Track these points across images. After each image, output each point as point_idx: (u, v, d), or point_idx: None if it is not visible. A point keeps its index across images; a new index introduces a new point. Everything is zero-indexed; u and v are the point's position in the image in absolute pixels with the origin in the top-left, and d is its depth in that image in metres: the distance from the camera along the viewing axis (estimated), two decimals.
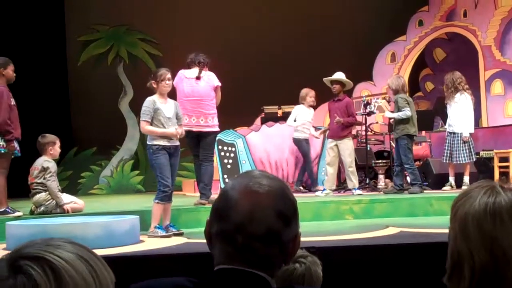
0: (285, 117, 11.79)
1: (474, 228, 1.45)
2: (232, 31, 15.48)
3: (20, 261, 1.06)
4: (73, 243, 1.13)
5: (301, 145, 10.38)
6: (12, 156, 7.47)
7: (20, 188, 7.78)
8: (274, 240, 1.57)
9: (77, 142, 15.52)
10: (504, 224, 1.43)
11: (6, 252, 5.97)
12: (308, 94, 10.38)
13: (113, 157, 15.71)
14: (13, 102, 7.44)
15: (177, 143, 6.85)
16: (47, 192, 7.63)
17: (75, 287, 1.06)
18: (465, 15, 13.37)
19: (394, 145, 9.65)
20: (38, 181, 7.61)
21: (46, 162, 7.66)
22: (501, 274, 1.42)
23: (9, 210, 7.34)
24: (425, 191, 9.33)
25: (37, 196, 7.62)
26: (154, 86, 6.82)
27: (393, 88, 9.46)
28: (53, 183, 7.65)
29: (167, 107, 6.83)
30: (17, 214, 7.31)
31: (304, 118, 10.32)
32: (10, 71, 7.45)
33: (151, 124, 6.72)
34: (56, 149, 7.89)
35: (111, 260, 1.19)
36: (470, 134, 9.57)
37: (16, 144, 7.38)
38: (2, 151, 7.36)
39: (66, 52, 15.80)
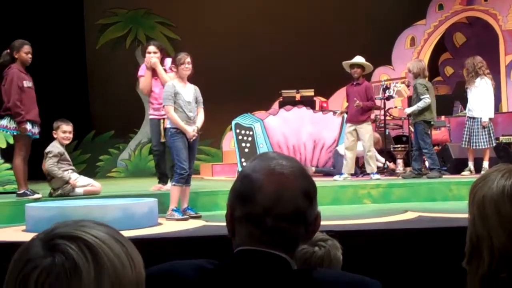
0: (303, 101, 11.77)
1: (492, 210, 1.45)
2: (250, 14, 15.43)
3: (56, 240, 1.05)
4: (104, 225, 1.12)
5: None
6: (31, 139, 7.49)
7: (39, 171, 7.80)
8: (301, 219, 1.58)
9: (95, 125, 15.59)
10: None
11: (26, 233, 6.01)
12: None
13: (131, 141, 15.76)
14: (27, 84, 7.41)
15: (195, 126, 6.85)
16: (59, 177, 7.65)
17: (113, 267, 1.05)
18: None
19: (412, 130, 9.58)
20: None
21: (49, 147, 7.69)
22: None
23: (28, 192, 7.38)
24: (444, 176, 9.28)
25: (53, 180, 7.65)
26: (174, 70, 6.85)
27: (414, 71, 9.38)
28: (50, 167, 7.61)
29: (187, 91, 6.84)
30: (36, 196, 7.35)
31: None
32: (23, 54, 7.46)
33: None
34: (59, 134, 7.79)
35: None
36: (490, 119, 9.48)
37: (30, 126, 7.38)
38: (14, 133, 7.41)
39: (85, 35, 15.83)
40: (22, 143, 7.41)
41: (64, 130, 7.86)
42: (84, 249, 1.04)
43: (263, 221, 1.56)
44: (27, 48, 7.52)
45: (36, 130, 7.53)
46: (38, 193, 7.45)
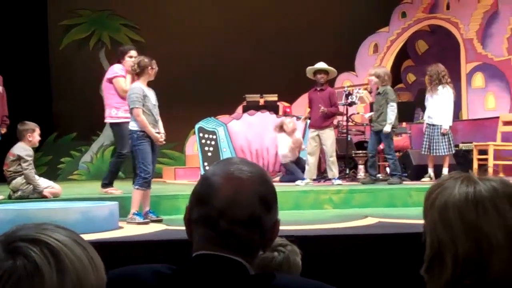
0: (266, 105, 11.80)
1: (456, 217, 1.45)
2: (215, 19, 15.43)
3: (17, 243, 1.04)
4: (65, 229, 1.12)
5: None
6: None
7: None
8: (256, 225, 1.58)
9: (58, 127, 15.42)
10: (487, 212, 1.44)
11: None
12: (284, 122, 10.54)
13: (94, 143, 15.63)
14: None
15: (161, 130, 6.83)
16: (23, 177, 7.59)
17: (75, 270, 1.05)
18: (448, 7, 13.41)
19: (375, 136, 9.64)
20: (11, 169, 7.56)
21: (22, 150, 7.58)
22: (485, 263, 1.42)
23: None
24: (404, 182, 9.39)
25: (14, 181, 7.58)
26: (138, 72, 6.81)
27: (385, 78, 9.47)
28: (31, 172, 7.59)
29: (152, 94, 6.84)
30: None
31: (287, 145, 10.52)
32: None
33: None
34: (35, 137, 7.81)
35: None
36: (449, 126, 9.63)
37: None
38: None
39: (48, 36, 15.66)
40: None
41: (39, 133, 7.84)
42: (46, 252, 1.03)
43: (218, 224, 1.57)
44: None
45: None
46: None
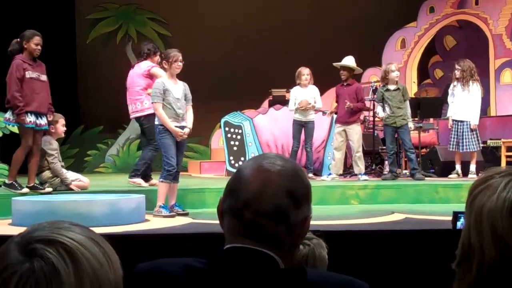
0: None
1: (488, 224, 1.41)
2: (241, 13, 15.43)
3: (34, 245, 1.04)
4: (80, 226, 1.12)
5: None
6: (37, 129, 7.37)
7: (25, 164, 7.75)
8: (281, 219, 1.58)
9: (84, 120, 15.54)
10: None
11: (13, 227, 5.99)
12: (301, 72, 9.77)
13: (120, 136, 15.72)
14: (29, 75, 7.24)
15: (185, 124, 6.84)
16: (51, 170, 7.64)
17: (91, 269, 1.05)
18: (476, 2, 13.27)
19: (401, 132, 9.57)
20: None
21: (46, 143, 7.61)
22: (508, 275, 1.39)
23: (15, 184, 7.32)
24: (431, 178, 9.35)
25: (42, 174, 7.63)
26: (165, 66, 6.85)
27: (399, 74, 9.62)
28: (57, 165, 7.64)
29: (176, 88, 6.85)
30: (24, 190, 7.29)
31: (301, 99, 9.74)
32: (32, 44, 7.34)
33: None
34: (59, 128, 7.85)
35: (116, 238, 1.19)
36: None
37: (33, 118, 7.21)
38: (12, 125, 7.35)
39: (75, 30, 15.77)
40: (24, 135, 7.27)
41: (64, 124, 7.89)
42: (62, 252, 1.04)
43: (242, 215, 1.58)
44: (37, 39, 7.42)
45: (42, 121, 7.40)
46: (25, 188, 7.38)
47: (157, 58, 8.64)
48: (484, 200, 1.44)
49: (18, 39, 7.42)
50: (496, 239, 1.40)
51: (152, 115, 7.99)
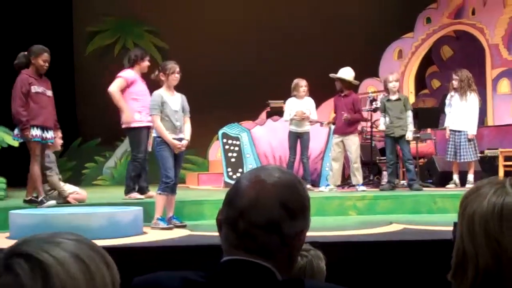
0: None
1: (480, 229, 1.43)
2: (239, 25, 15.47)
3: (13, 259, 1.04)
4: (77, 241, 1.11)
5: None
6: (43, 142, 7.36)
7: (23, 177, 7.76)
8: (274, 230, 1.58)
9: (82, 132, 15.55)
10: (510, 226, 1.41)
11: (10, 241, 5.97)
12: (299, 84, 9.75)
13: (118, 149, 15.72)
14: (35, 89, 7.24)
15: (183, 136, 6.84)
16: (48, 183, 7.62)
17: (63, 287, 1.04)
18: (473, 13, 13.32)
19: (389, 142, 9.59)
20: None
21: (44, 156, 7.60)
22: (504, 278, 1.40)
23: (44, 200, 7.27)
24: (429, 189, 9.34)
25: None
26: (163, 78, 6.83)
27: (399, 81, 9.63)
28: (54, 178, 7.63)
29: (174, 100, 6.84)
30: (50, 203, 7.23)
31: (297, 110, 9.71)
32: (40, 60, 7.31)
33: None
34: (56, 141, 7.83)
35: (113, 251, 1.17)
36: None
37: (39, 132, 7.20)
38: (19, 140, 7.33)
39: (73, 42, 15.80)
40: (32, 149, 7.26)
41: (61, 136, 7.88)
42: (36, 269, 1.03)
43: (237, 225, 1.59)
44: (46, 56, 7.38)
45: (48, 135, 7.40)
46: (52, 200, 7.35)
47: (146, 63, 8.64)
48: (475, 206, 1.46)
49: (26, 53, 7.39)
50: (489, 243, 1.41)
51: (130, 129, 8.07)
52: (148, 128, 8.35)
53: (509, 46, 12.36)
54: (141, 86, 8.53)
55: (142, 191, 8.49)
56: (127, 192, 8.43)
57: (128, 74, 8.56)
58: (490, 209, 1.43)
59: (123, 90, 8.47)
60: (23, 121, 7.12)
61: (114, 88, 8.43)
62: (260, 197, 1.59)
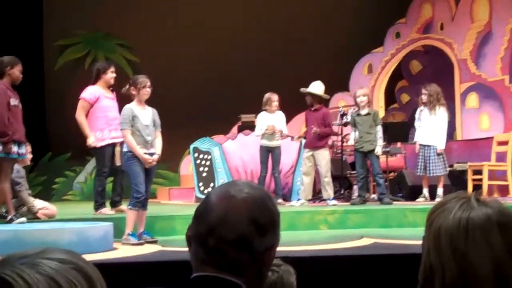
0: None
1: (446, 243, 1.44)
2: (209, 39, 15.48)
3: None
4: (62, 261, 1.07)
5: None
6: (18, 159, 7.24)
7: None
8: (244, 246, 1.58)
9: (52, 147, 15.41)
10: (475, 241, 1.42)
11: None
12: (271, 99, 9.81)
13: (88, 164, 15.60)
14: (13, 102, 7.11)
15: (154, 150, 6.81)
16: (18, 199, 7.54)
17: None
18: (441, 28, 13.48)
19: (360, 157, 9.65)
20: None
21: (14, 171, 7.50)
22: None
23: (14, 218, 7.13)
24: (399, 203, 9.41)
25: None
26: (133, 92, 6.81)
27: (369, 96, 9.68)
28: (24, 193, 7.55)
29: (145, 114, 6.82)
30: (20, 220, 7.12)
31: (268, 124, 9.74)
32: (16, 71, 7.20)
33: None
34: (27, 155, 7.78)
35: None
36: None
37: (16, 148, 7.10)
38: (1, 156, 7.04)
39: (44, 56, 15.69)
40: (7, 165, 7.09)
41: (30, 151, 7.80)
42: None
43: (206, 241, 1.58)
44: (21, 66, 7.27)
45: (23, 150, 7.29)
46: (22, 217, 7.25)
47: (109, 75, 8.60)
48: (441, 221, 1.48)
49: None
50: (455, 257, 1.43)
51: (95, 148, 8.21)
52: (114, 144, 8.33)
53: (477, 61, 12.53)
54: (104, 101, 8.48)
55: (114, 204, 8.46)
56: (96, 208, 8.39)
57: (88, 93, 8.51)
58: (455, 224, 1.45)
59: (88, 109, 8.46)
60: (9, 134, 6.97)
61: (78, 114, 8.44)
62: (229, 213, 1.59)
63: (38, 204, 7.78)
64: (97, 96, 8.45)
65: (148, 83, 6.83)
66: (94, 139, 8.28)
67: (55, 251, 1.09)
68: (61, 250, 1.10)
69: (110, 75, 8.62)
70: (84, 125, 8.37)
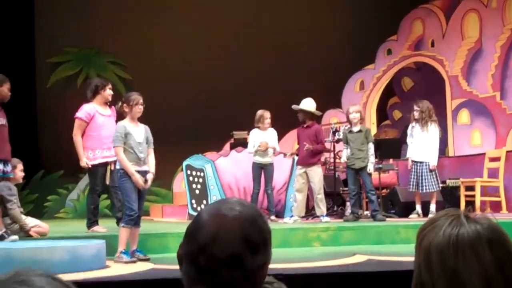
0: None
1: (437, 259, 1.45)
2: (201, 55, 15.52)
3: None
4: (34, 283, 1.05)
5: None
6: (5, 176, 7.22)
7: None
8: (236, 264, 1.58)
9: (44, 164, 15.36)
10: (465, 257, 1.43)
11: None
12: (264, 116, 9.85)
13: (81, 181, 15.54)
14: (1, 122, 7.12)
15: (147, 168, 6.81)
16: (9, 217, 7.51)
17: None
18: (432, 45, 13.56)
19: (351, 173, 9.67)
20: None
21: (4, 189, 7.47)
22: None
23: (5, 235, 7.11)
24: (392, 219, 9.42)
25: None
26: (126, 110, 6.80)
27: (362, 113, 9.74)
28: (16, 211, 7.52)
29: (138, 131, 6.82)
30: (12, 238, 7.08)
31: (260, 141, 9.77)
32: (5, 89, 7.18)
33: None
34: (17, 173, 7.76)
35: (75, 285, 1.14)
36: None
37: (1, 166, 7.08)
38: None
39: (35, 73, 15.69)
40: None
41: (22, 169, 7.78)
42: None
43: (198, 260, 1.58)
44: (9, 84, 7.26)
45: (8, 168, 7.26)
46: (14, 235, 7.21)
47: (107, 92, 8.62)
48: (431, 238, 1.49)
49: None
50: (446, 274, 1.44)
51: (94, 166, 8.08)
52: (106, 163, 8.34)
53: (468, 77, 12.59)
54: (99, 119, 8.48)
55: (119, 221, 8.39)
56: (89, 225, 8.38)
57: (83, 112, 8.50)
58: (445, 241, 1.46)
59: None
60: None
61: (75, 133, 8.43)
62: (221, 231, 1.58)
63: (30, 222, 7.75)
64: (92, 114, 8.45)
65: (141, 100, 6.84)
66: (85, 162, 8.27)
67: (24, 275, 1.07)
68: (41, 273, 1.08)
69: (108, 92, 8.65)
70: (78, 145, 8.36)
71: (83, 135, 8.43)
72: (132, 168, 6.65)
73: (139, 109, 6.81)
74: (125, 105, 6.83)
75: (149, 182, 6.82)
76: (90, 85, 8.89)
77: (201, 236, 1.59)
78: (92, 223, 8.38)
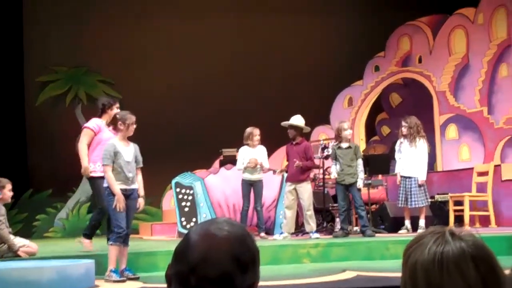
0: None
1: (422, 277, 1.46)
2: (190, 74, 15.56)
3: None
4: None
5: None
6: None
7: None
8: (228, 284, 1.58)
9: (33, 183, 15.30)
10: (450, 274, 1.44)
11: None
12: (253, 133, 9.89)
13: (69, 200, 15.51)
14: None
15: (135, 186, 6.80)
16: None
17: None
18: (420, 60, 13.64)
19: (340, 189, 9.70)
20: None
21: None
22: None
23: None
24: (381, 235, 9.43)
25: None
26: (122, 128, 6.76)
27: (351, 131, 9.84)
28: (4, 231, 7.49)
29: (128, 150, 6.80)
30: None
31: (250, 158, 9.84)
32: None
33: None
34: (6, 193, 7.74)
35: None
36: None
37: None
38: None
39: (24, 92, 15.66)
40: None
41: (10, 188, 7.76)
42: None
43: (188, 280, 1.57)
44: None
45: None
46: None
47: (115, 110, 8.53)
48: (416, 256, 1.50)
49: None
50: None
51: (97, 178, 7.95)
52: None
53: (455, 93, 12.67)
54: (106, 134, 8.38)
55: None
56: (83, 235, 8.27)
57: (93, 123, 8.42)
58: (430, 258, 1.47)
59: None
60: None
61: (81, 140, 8.25)
62: (211, 251, 1.58)
63: (19, 242, 7.71)
64: (101, 127, 8.39)
65: (135, 120, 6.86)
66: (87, 169, 8.12)
67: None
68: None
69: (116, 111, 8.55)
70: (83, 153, 8.15)
71: (89, 147, 8.33)
72: (117, 188, 6.62)
73: (133, 128, 6.82)
74: (120, 123, 6.80)
75: (141, 208, 6.84)
76: (97, 104, 8.84)
77: (191, 256, 1.59)
78: (85, 235, 8.29)
